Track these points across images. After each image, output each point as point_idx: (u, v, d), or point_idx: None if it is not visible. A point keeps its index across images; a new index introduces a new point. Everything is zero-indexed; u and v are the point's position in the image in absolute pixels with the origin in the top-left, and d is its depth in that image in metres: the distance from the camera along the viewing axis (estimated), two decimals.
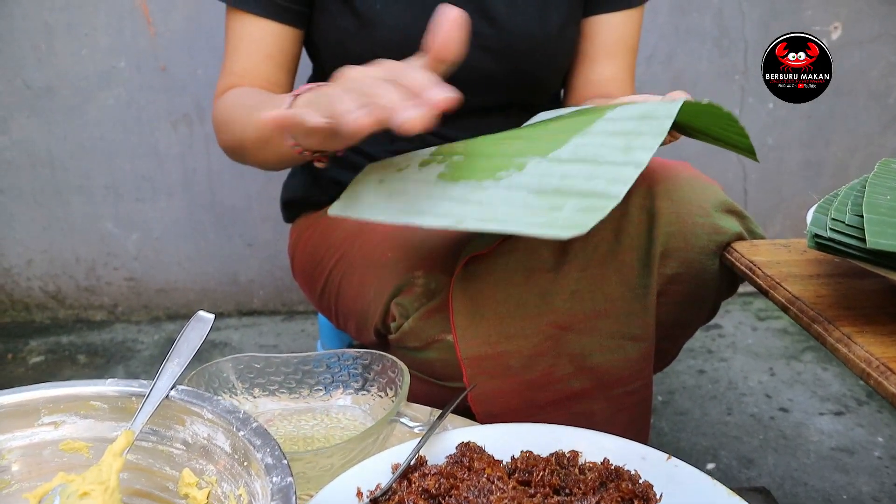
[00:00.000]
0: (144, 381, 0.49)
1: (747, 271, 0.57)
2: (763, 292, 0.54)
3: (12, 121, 1.44)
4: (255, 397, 0.62)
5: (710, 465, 1.06)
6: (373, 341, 0.72)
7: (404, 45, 0.76)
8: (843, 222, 0.42)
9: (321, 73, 0.88)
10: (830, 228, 0.41)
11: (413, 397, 0.66)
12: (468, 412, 0.62)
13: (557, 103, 0.94)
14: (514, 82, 0.80)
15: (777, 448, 1.10)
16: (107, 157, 1.47)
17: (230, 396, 0.61)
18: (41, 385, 0.49)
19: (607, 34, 0.82)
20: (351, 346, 1.23)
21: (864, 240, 0.40)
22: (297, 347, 1.47)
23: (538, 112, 0.89)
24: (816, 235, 0.42)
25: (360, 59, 0.78)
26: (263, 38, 0.78)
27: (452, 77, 0.80)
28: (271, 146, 0.66)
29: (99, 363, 1.42)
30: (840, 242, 0.41)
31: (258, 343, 1.49)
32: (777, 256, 0.59)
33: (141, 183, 1.50)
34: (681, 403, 1.23)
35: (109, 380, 0.49)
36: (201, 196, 1.52)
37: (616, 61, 0.83)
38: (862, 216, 0.42)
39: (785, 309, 0.50)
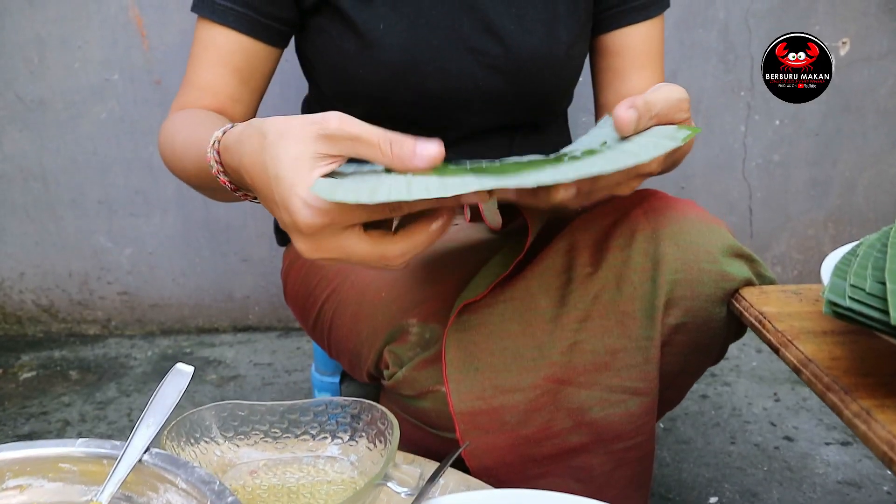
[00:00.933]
0: (117, 443, 0.46)
1: (756, 324, 0.54)
2: (773, 349, 0.51)
3: (4, 135, 1.41)
4: (238, 447, 0.59)
5: (713, 499, 1.03)
6: (365, 381, 0.69)
7: (407, 66, 0.73)
8: (864, 290, 0.39)
9: (318, 94, 0.85)
10: (850, 297, 0.38)
11: (406, 443, 0.63)
12: (462, 462, 0.59)
13: (565, 125, 0.91)
14: (521, 102, 0.78)
15: (782, 481, 1.07)
16: (100, 171, 1.45)
17: (214, 446, 0.58)
18: (6, 445, 0.46)
19: (633, 46, 0.80)
20: (345, 373, 1.20)
21: (887, 312, 0.37)
22: (292, 366, 1.44)
23: (545, 135, 0.87)
24: (834, 303, 0.39)
25: (362, 81, 0.75)
26: (232, 51, 0.73)
27: (459, 98, 0.77)
28: (220, 192, 0.61)
29: (91, 380, 1.40)
30: (860, 313, 0.38)
31: (253, 361, 1.46)
32: (788, 307, 0.56)
33: (134, 198, 1.47)
34: (683, 431, 1.20)
35: (79, 440, 0.47)
36: (196, 211, 1.49)
37: (645, 72, 0.80)
38: (884, 283, 0.39)
39: (797, 371, 0.48)
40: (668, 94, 0.50)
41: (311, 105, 0.89)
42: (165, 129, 0.71)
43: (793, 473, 1.08)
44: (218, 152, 0.55)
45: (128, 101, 1.40)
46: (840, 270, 0.42)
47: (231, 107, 0.75)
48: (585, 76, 0.89)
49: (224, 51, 0.73)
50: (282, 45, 0.77)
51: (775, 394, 1.31)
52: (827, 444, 1.15)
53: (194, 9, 0.74)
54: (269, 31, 0.74)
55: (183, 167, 0.66)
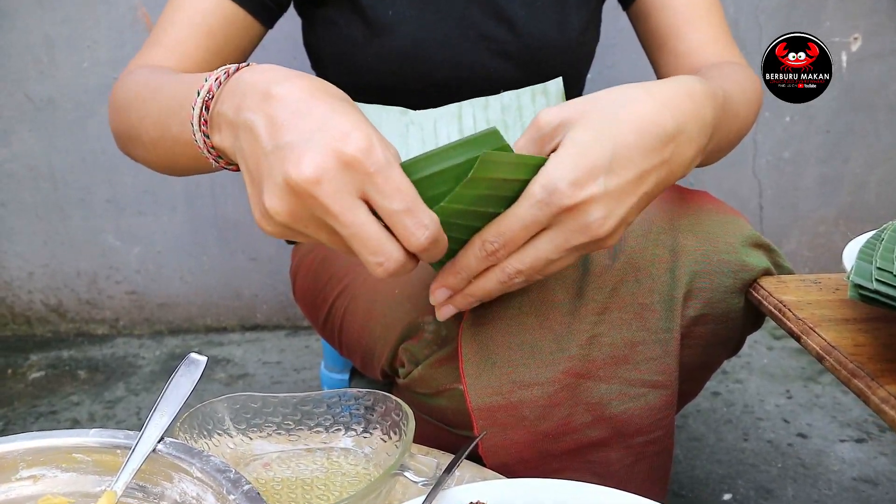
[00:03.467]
0: (131, 433, 0.46)
1: (776, 312, 0.54)
2: (795, 337, 0.50)
3: (13, 134, 1.41)
4: (251, 439, 0.59)
5: (727, 496, 1.02)
6: (378, 379, 0.69)
7: (417, 54, 0.72)
8: (891, 273, 0.38)
9: None
10: (877, 279, 0.38)
11: (421, 439, 0.63)
12: (478, 456, 0.58)
13: None
14: None
15: (796, 477, 1.06)
16: (108, 170, 1.45)
17: (227, 438, 0.58)
18: (19, 436, 0.46)
19: None
20: (354, 370, 1.20)
21: None
22: (300, 364, 1.44)
23: None
24: (860, 286, 0.38)
25: (370, 69, 0.75)
26: (209, 12, 0.67)
27: (470, 86, 0.76)
28: (181, 148, 0.54)
29: (99, 379, 1.40)
30: (887, 295, 0.37)
31: (261, 360, 1.46)
32: (807, 295, 0.55)
33: (142, 196, 1.47)
34: (695, 428, 1.19)
35: (93, 430, 0.46)
36: (204, 210, 1.49)
37: (702, 23, 0.72)
38: None
39: (820, 359, 0.47)
40: (526, 135, 0.45)
41: None
42: (127, 81, 0.63)
43: (807, 470, 1.07)
44: (225, 77, 0.47)
45: None
46: (865, 254, 0.41)
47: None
48: (594, 71, 0.88)
49: (201, 10, 0.67)
50: (265, 22, 0.72)
51: (787, 391, 1.29)
52: (841, 440, 1.14)
53: None
54: (253, 2, 0.69)
55: (145, 112, 0.57)
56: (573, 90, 0.82)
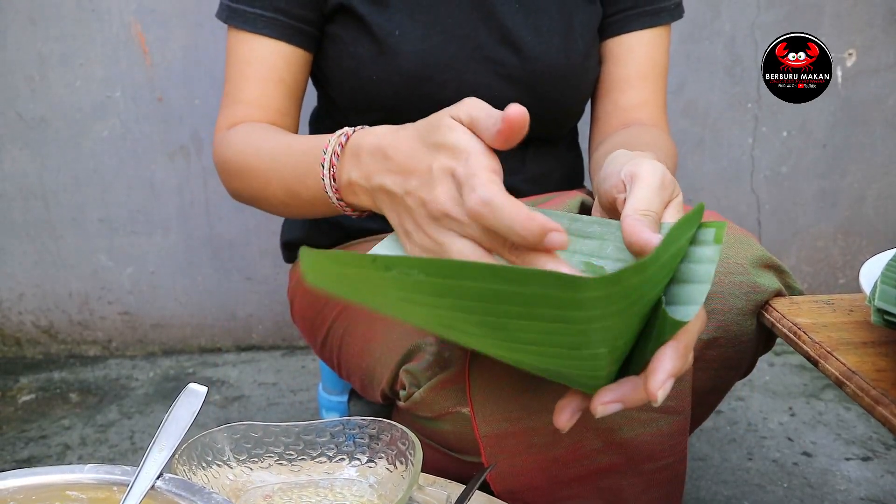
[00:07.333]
0: (128, 468, 0.44)
1: (791, 335, 0.52)
2: (812, 362, 0.49)
3: (5, 152, 1.40)
4: (251, 470, 0.57)
5: None
6: (378, 401, 0.67)
7: (422, 74, 0.71)
8: None
9: (329, 105, 0.84)
10: None
11: (424, 466, 0.61)
12: (486, 484, 0.57)
13: (576, 139, 0.89)
14: (536, 114, 0.76)
15: (803, 498, 1.04)
16: (101, 189, 1.43)
17: (227, 469, 0.56)
18: (10, 472, 0.44)
19: (638, 54, 0.77)
20: (353, 392, 1.18)
21: None
22: (297, 385, 1.42)
23: (558, 149, 0.84)
24: (885, 312, 0.37)
25: (376, 88, 0.74)
26: (275, 62, 0.72)
27: None
28: (318, 208, 0.61)
29: (91, 402, 1.37)
30: None
31: (257, 381, 1.43)
32: (822, 317, 0.54)
33: (136, 216, 1.45)
34: (699, 447, 1.17)
35: (88, 466, 0.44)
36: (198, 229, 1.47)
37: (647, 84, 0.78)
38: None
39: (840, 384, 0.45)
40: (651, 184, 0.46)
41: (322, 118, 0.88)
42: (230, 145, 0.70)
43: (814, 490, 1.06)
44: (340, 149, 0.55)
45: (129, 118, 1.38)
46: (888, 277, 0.40)
47: (280, 120, 0.74)
48: None
49: (267, 63, 0.72)
50: (313, 49, 0.75)
51: (790, 408, 1.28)
52: (847, 459, 1.13)
53: (226, 20, 0.73)
54: (301, 34, 0.73)
55: (266, 180, 0.65)
56: (576, 115, 0.82)
